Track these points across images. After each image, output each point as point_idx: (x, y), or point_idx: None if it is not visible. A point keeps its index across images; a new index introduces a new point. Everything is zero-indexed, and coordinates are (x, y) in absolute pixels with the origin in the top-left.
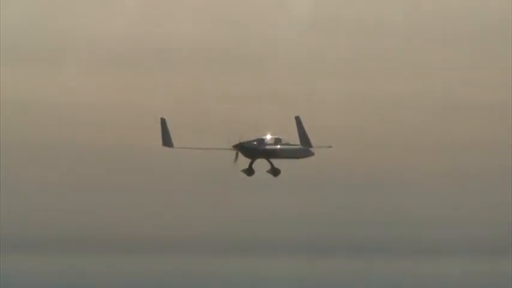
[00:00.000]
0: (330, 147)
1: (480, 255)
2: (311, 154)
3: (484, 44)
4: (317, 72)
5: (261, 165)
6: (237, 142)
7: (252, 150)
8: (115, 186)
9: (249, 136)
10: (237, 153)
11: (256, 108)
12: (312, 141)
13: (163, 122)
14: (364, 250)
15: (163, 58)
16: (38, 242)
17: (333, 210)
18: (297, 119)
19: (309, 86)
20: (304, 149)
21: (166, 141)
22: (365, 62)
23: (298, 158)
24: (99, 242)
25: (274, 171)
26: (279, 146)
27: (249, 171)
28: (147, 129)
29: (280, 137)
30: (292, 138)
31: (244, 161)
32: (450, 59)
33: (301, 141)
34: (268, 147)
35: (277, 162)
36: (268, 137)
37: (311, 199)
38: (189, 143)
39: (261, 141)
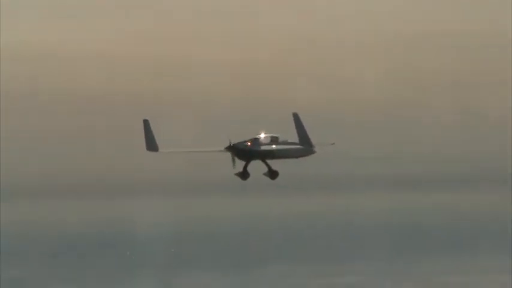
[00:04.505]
0: (333, 144)
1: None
2: (312, 152)
3: None
4: None
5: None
6: (228, 144)
7: (246, 151)
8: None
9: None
10: (233, 157)
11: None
12: (313, 138)
13: (146, 124)
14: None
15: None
16: None
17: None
18: (295, 116)
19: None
20: (303, 147)
21: (151, 145)
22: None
23: (297, 157)
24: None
25: (272, 174)
26: (275, 146)
27: (244, 175)
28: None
29: (277, 135)
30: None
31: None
32: None
33: (300, 140)
34: (263, 147)
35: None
36: (263, 135)
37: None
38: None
39: (256, 141)
